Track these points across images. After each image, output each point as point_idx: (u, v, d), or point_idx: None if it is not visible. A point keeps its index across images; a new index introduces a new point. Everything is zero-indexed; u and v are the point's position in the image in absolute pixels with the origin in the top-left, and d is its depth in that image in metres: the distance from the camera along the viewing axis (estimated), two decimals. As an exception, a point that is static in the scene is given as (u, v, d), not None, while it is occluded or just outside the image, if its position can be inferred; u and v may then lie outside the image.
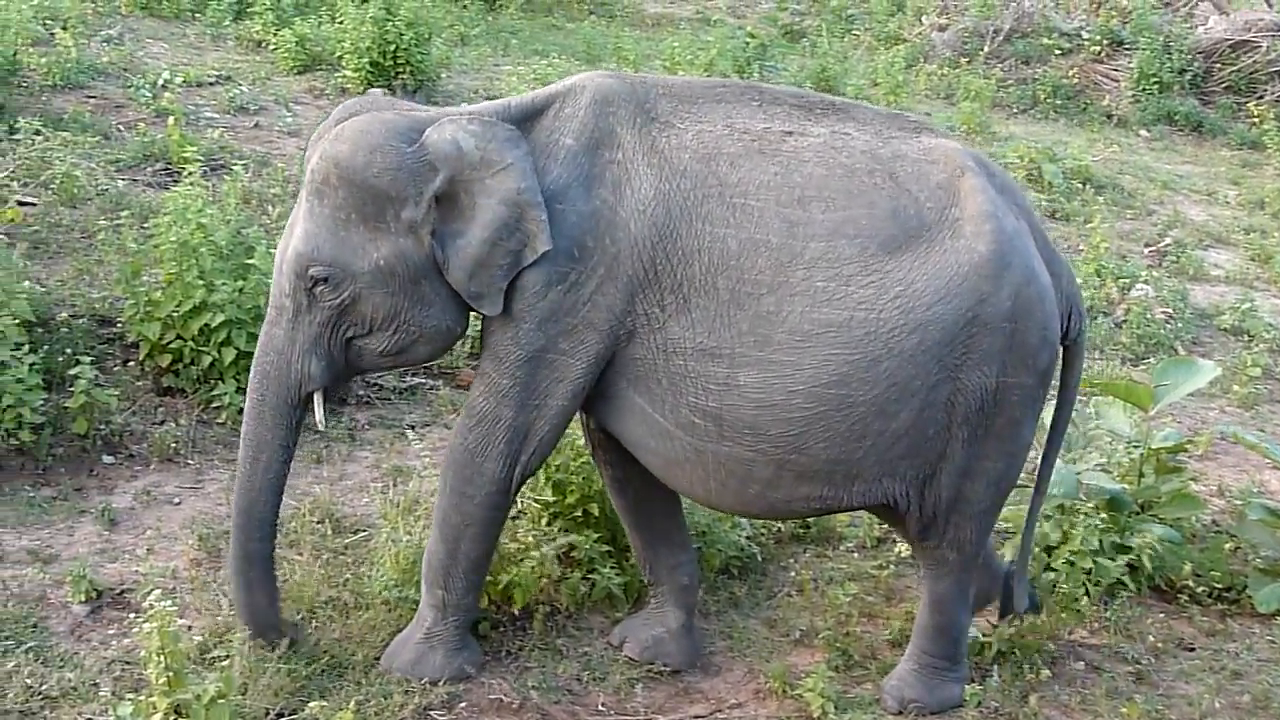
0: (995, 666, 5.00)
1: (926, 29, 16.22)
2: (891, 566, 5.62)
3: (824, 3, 17.77)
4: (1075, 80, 14.70)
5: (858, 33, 16.48)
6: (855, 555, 5.72)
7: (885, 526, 5.80)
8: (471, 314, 4.48)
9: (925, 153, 4.40)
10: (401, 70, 10.59)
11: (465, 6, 14.52)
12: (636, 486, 4.85)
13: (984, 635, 5.11)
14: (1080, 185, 11.29)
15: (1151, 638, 5.30)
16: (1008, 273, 4.26)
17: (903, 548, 5.60)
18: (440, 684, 4.61)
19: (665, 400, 4.35)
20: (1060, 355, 4.59)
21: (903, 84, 13.49)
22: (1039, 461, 4.88)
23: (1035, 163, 11.26)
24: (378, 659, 4.72)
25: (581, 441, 5.12)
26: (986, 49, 15.27)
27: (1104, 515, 5.49)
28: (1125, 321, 8.59)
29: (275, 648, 4.52)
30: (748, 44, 13.29)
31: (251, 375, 4.48)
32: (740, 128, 4.39)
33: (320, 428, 4.77)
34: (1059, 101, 14.41)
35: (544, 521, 5.17)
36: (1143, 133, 13.90)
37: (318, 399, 4.46)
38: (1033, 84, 14.63)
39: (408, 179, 4.22)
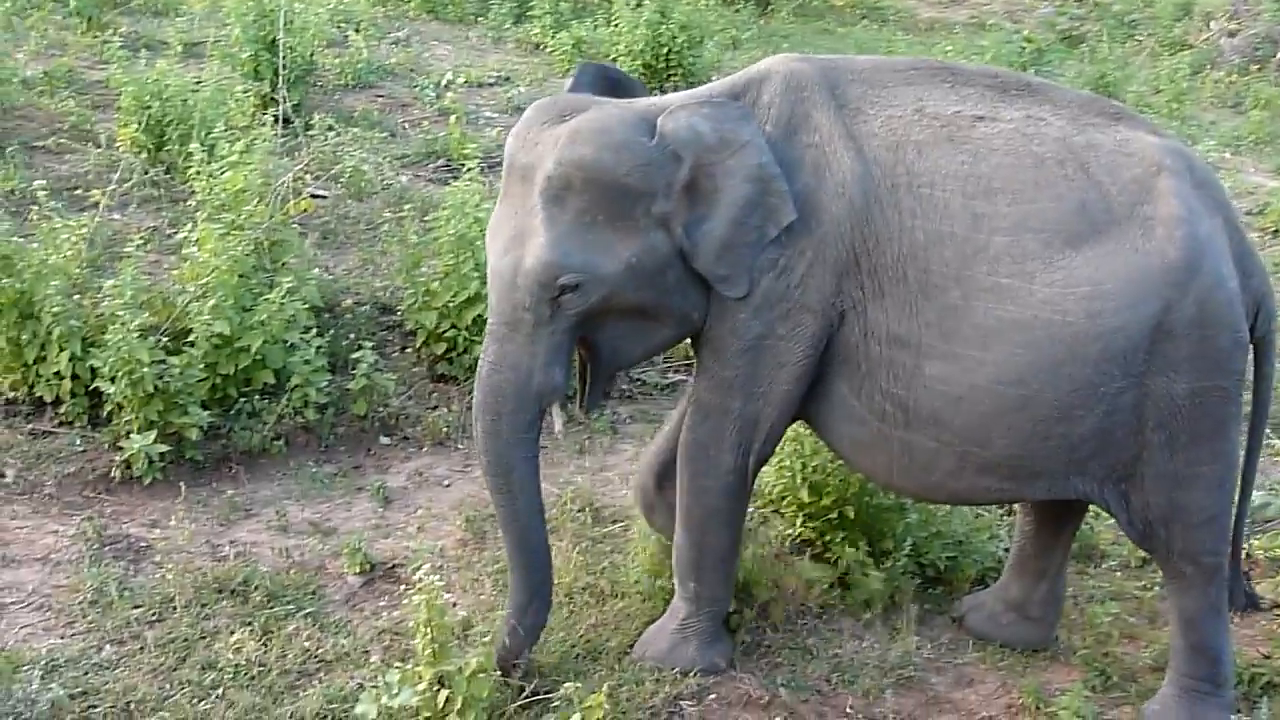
0: (1265, 698, 4.78)
1: (1215, 34, 15.53)
2: (1155, 588, 5.42)
3: (1105, 7, 17.19)
4: (1375, 88, 13.86)
5: (1140, 38, 15.89)
6: (1118, 574, 5.55)
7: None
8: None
9: (1121, 144, 4.24)
10: (674, 72, 10.74)
11: (738, 10, 14.62)
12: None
13: (1254, 664, 4.90)
14: (1378, 200, 10.63)
15: None
16: (1196, 279, 4.10)
17: (1169, 569, 5.40)
18: (691, 675, 4.69)
19: (861, 385, 4.33)
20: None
21: (1187, 91, 12.95)
22: (1243, 461, 4.63)
23: (1329, 175, 10.68)
24: (631, 647, 4.83)
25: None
26: (1280, 55, 14.55)
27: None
28: None
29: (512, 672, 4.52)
30: (1024, 49, 12.99)
31: (481, 397, 4.35)
32: (930, 112, 4.30)
33: (560, 435, 4.81)
34: (1358, 110, 13.60)
35: (799, 522, 5.19)
36: None
37: (557, 406, 4.46)
38: (1329, 91, 13.85)
39: (656, 172, 4.17)
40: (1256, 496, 5.61)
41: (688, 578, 4.70)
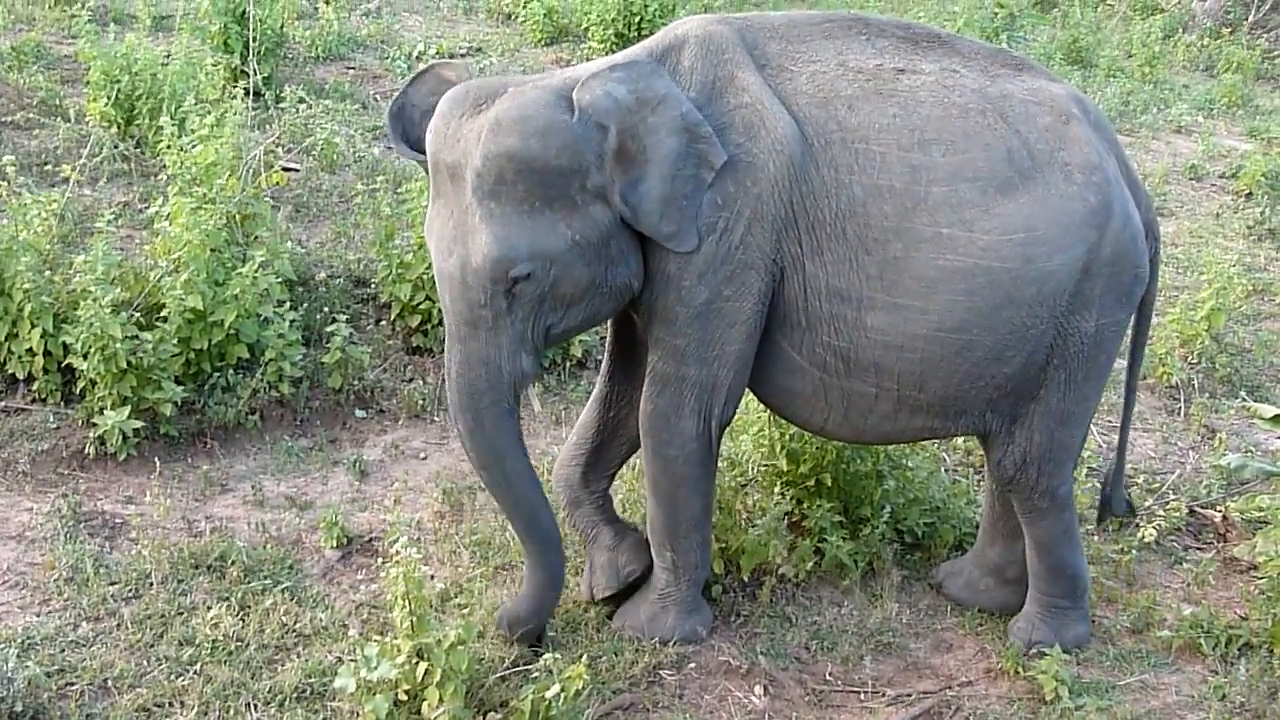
0: (1242, 660, 4.82)
1: (1187, -2, 15.56)
2: (1134, 552, 5.45)
3: (1078, -29, 17.19)
4: (1350, 51, 13.90)
5: (1112, 2, 15.89)
6: (1095, 538, 5.56)
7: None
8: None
9: (1031, 94, 4.38)
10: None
11: (710, -23, 14.54)
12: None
13: (1231, 626, 4.93)
14: (1350, 163, 10.67)
15: None
16: (1111, 220, 4.32)
17: (1145, 533, 5.43)
18: (671, 644, 4.69)
19: (802, 339, 4.38)
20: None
21: (1159, 55, 12.99)
22: (1126, 373, 4.82)
23: (1302, 138, 10.72)
24: (611, 617, 4.83)
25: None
26: (1251, 18, 14.56)
27: (1366, 508, 5.22)
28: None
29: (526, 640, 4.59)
30: (995, 14, 12.97)
31: (456, 397, 4.33)
32: (853, 66, 4.35)
33: (537, 410, 4.75)
34: (1330, 74, 13.65)
35: (775, 489, 5.19)
36: None
37: (530, 389, 4.44)
38: (1302, 55, 13.90)
39: (584, 147, 4.12)
40: (1231, 458, 5.64)
41: (664, 548, 4.71)
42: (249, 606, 4.76)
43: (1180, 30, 14.57)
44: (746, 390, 4.61)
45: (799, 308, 4.35)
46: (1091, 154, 4.32)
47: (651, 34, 10.46)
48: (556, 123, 4.09)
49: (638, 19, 10.68)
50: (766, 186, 4.24)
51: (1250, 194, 9.75)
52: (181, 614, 4.70)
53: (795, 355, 4.42)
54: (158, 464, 5.46)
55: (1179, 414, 6.78)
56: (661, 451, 4.54)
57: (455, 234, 4.18)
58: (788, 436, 5.25)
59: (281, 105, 8.25)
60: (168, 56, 7.86)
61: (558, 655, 4.22)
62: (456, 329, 4.28)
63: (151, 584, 4.82)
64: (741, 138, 4.24)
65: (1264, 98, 12.70)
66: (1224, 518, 5.80)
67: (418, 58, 10.14)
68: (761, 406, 5.02)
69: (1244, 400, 6.83)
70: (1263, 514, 5.58)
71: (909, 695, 4.65)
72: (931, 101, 4.29)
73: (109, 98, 7.74)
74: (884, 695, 4.64)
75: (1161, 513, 5.68)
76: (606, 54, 10.50)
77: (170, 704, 4.29)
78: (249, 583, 4.88)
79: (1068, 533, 4.77)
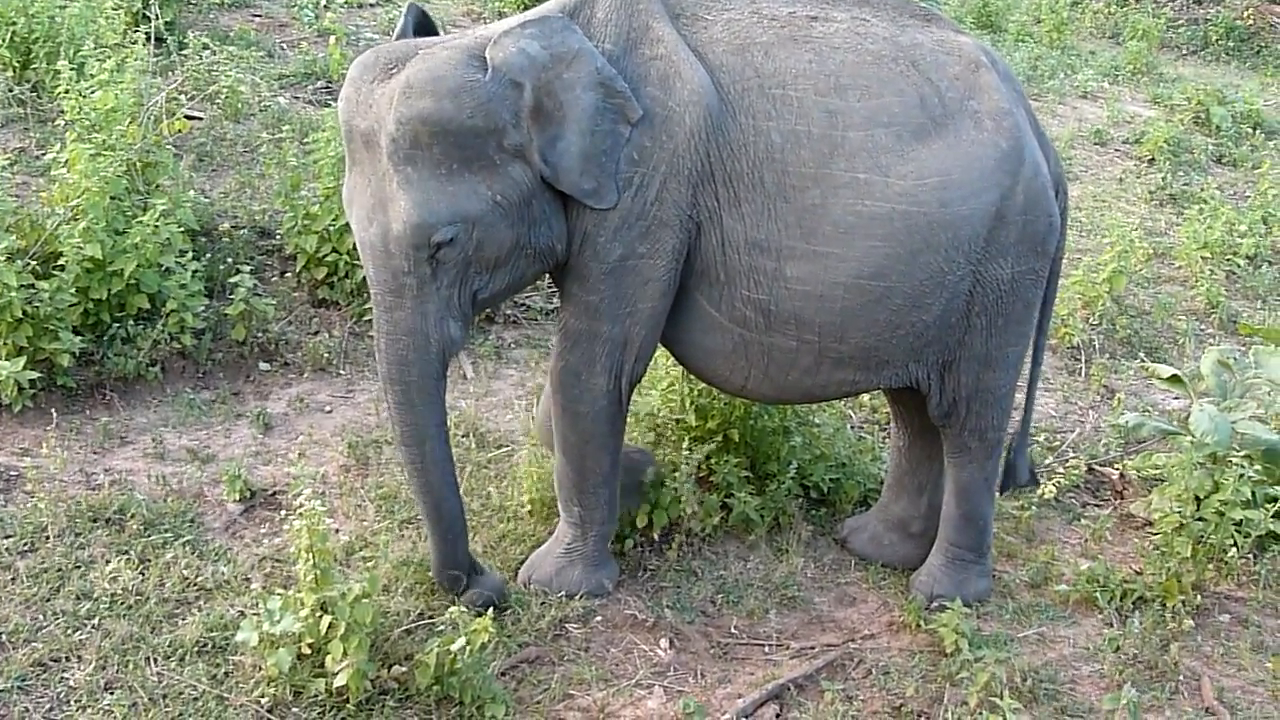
0: (1136, 613, 4.92)
1: (1095, -35, 15.70)
2: (1033, 508, 5.54)
3: (988, -64, 17.28)
4: (1250, 21, 14.13)
5: (1022, -32, 16.02)
6: (996, 495, 5.65)
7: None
8: None
9: (940, 44, 4.45)
10: (558, -6, 10.57)
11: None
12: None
13: (1126, 581, 5.04)
14: (1250, 130, 10.89)
15: (1302, 593, 5.17)
16: (1022, 168, 4.39)
17: (1045, 490, 5.52)
18: (577, 598, 4.70)
19: (721, 295, 4.38)
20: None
21: (1067, 22, 13.13)
22: (1034, 334, 4.87)
23: (1203, 105, 10.91)
24: (517, 571, 4.82)
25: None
26: (1157, -14, 14.76)
27: (1257, 466, 5.34)
28: (1291, 271, 8.30)
29: (459, 590, 4.54)
30: (908, -24, 13.00)
31: (386, 368, 4.28)
32: (767, 14, 4.37)
33: (469, 375, 4.67)
34: (1231, 43, 13.89)
35: (684, 445, 5.20)
36: (1320, 78, 13.34)
37: (462, 354, 4.39)
38: (1204, 24, 14.12)
39: (499, 106, 4.07)
40: (1130, 417, 5.76)
41: (571, 502, 4.70)
42: (149, 560, 4.68)
43: (1088, -3, 14.74)
44: (657, 347, 4.60)
45: (717, 263, 4.34)
46: (1002, 101, 4.38)
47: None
48: (470, 82, 4.03)
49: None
50: (682, 140, 4.22)
51: (1153, 159, 9.91)
52: (79, 568, 4.61)
53: (714, 312, 4.41)
54: (55, 416, 5.33)
55: (1079, 374, 6.90)
56: (571, 408, 4.52)
57: (374, 202, 4.12)
58: (696, 392, 5.27)
59: (185, 52, 8.05)
60: (66, -1, 7.63)
61: (463, 609, 4.21)
62: (382, 298, 4.22)
63: (48, 537, 4.72)
64: (657, 90, 4.22)
65: (1168, 65, 12.91)
66: (1121, 475, 5.92)
67: (325, 6, 9.96)
68: (672, 362, 5.02)
69: (1143, 361, 6.96)
70: (1158, 472, 5.71)
71: (812, 648, 4.70)
72: (846, 48, 4.31)
73: (4, 40, 7.49)
74: (788, 648, 4.68)
75: (1061, 470, 5.79)
76: (520, 7, 10.44)
77: (67, 659, 4.21)
78: (149, 536, 4.80)
79: (988, 482, 4.87)
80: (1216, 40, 13.90)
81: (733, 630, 4.77)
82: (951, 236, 4.32)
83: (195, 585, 4.61)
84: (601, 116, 4.15)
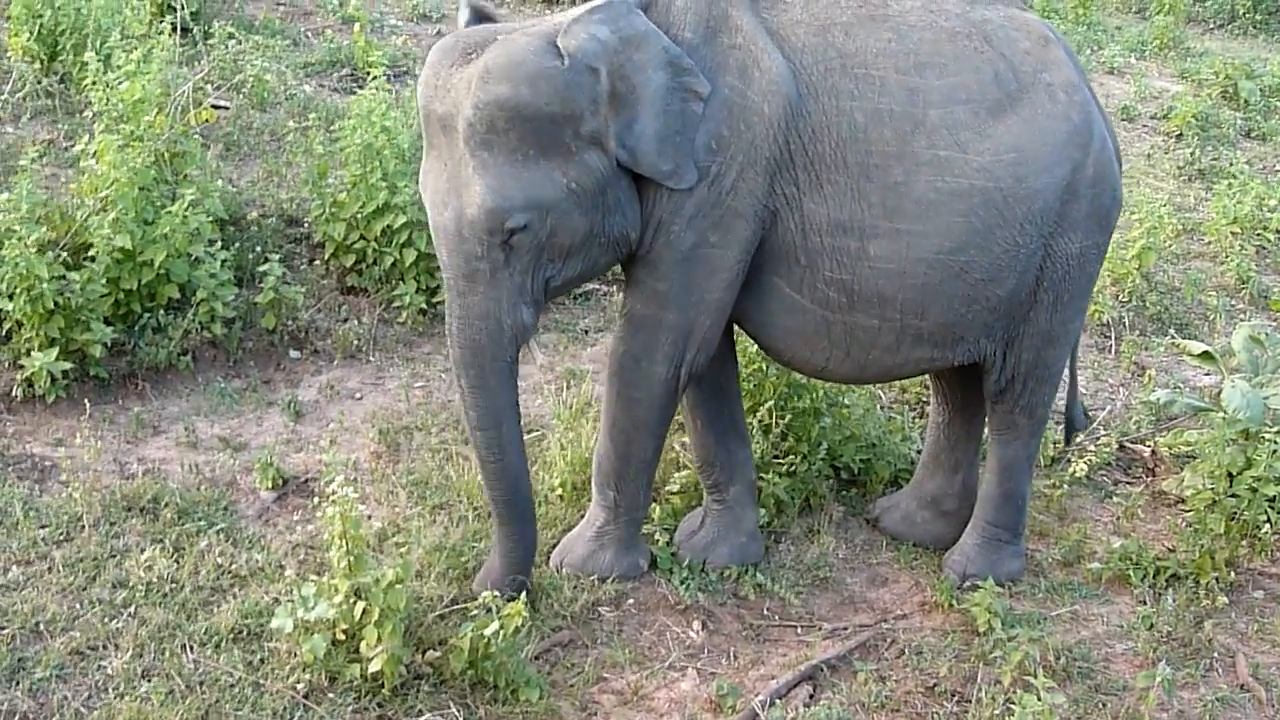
0: (1170, 590, 4.91)
1: (1120, -60, 15.58)
2: (1065, 486, 5.53)
3: (1013, -88, 17.15)
4: (1278, -6, 14.01)
5: (1047, -56, 15.90)
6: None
7: (1059, 446, 5.72)
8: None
9: (1009, 19, 4.48)
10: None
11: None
12: (712, 378, 4.79)
13: (1159, 559, 5.02)
14: (1278, 104, 10.79)
15: (1337, 569, 5.15)
16: (1092, 141, 4.43)
17: (1077, 468, 5.51)
18: (610, 581, 4.71)
19: (803, 277, 4.39)
20: None
21: (1093, -3, 13.04)
22: None
23: (1231, 79, 10.81)
24: (549, 554, 4.83)
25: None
26: (1184, -39, 14.62)
27: (1292, 442, 5.30)
28: (1323, 246, 8.23)
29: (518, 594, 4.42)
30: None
31: (459, 353, 4.28)
32: None
33: (540, 360, 4.65)
34: (1259, 16, 13.75)
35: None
36: (1349, 50, 13.21)
37: (532, 340, 4.38)
38: (1232, -3, 13.99)
39: (577, 93, 4.06)
40: (1161, 394, 5.73)
41: (608, 486, 4.70)
42: (183, 548, 4.72)
43: (1113, -29, 14.62)
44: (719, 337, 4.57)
45: (797, 246, 4.35)
46: (1072, 75, 4.43)
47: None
48: (547, 69, 4.03)
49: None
50: (761, 130, 4.23)
51: (1180, 135, 9.84)
52: (114, 556, 4.64)
53: (795, 295, 4.42)
54: (88, 406, 5.36)
55: (1110, 351, 6.86)
56: (626, 393, 4.52)
57: (449, 187, 4.13)
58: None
59: (210, 41, 8.07)
60: (92, -10, 7.65)
61: (497, 593, 4.22)
62: (455, 283, 4.22)
63: (83, 527, 4.76)
64: (736, 79, 4.23)
65: (1194, 40, 12.80)
66: (1153, 453, 5.90)
67: (349, -7, 9.97)
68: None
69: (1173, 337, 6.92)
70: (1190, 449, 5.67)
71: (844, 629, 4.71)
72: (921, 25, 4.34)
73: (31, 32, 7.53)
74: (820, 629, 4.69)
75: (1093, 448, 5.76)
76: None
77: (104, 647, 4.25)
78: (183, 524, 4.84)
79: (1030, 460, 4.90)
80: (1244, 13, 13.77)
81: (765, 612, 4.77)
82: (1026, 210, 4.35)
83: (229, 573, 4.64)
84: (673, 96, 4.15)
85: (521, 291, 4.22)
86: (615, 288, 6.98)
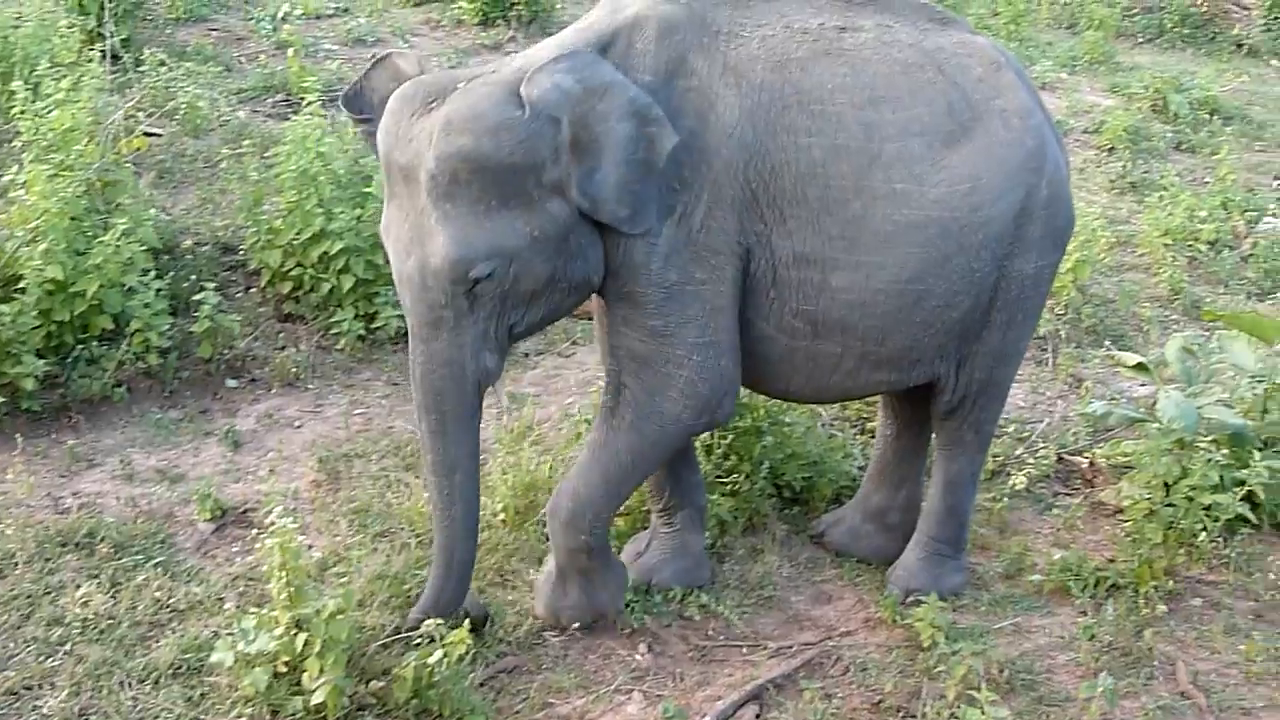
0: (1110, 600, 4.95)
1: (1050, -44, 15.77)
2: (1005, 499, 5.57)
3: (943, -70, 17.36)
4: (1204, 8, 14.22)
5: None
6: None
7: (999, 458, 5.76)
8: None
9: (959, 46, 4.51)
10: (517, 2, 10.58)
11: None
12: None
13: (1099, 569, 5.06)
14: (1207, 116, 10.96)
15: (1272, 575, 5.20)
16: (1046, 164, 4.48)
17: (1016, 480, 5.55)
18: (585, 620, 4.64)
19: (771, 308, 4.40)
20: None
21: (1024, 13, 13.15)
22: None
23: (1161, 93, 10.96)
24: (495, 579, 4.80)
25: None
26: (1112, -24, 14.83)
27: (1225, 450, 5.37)
28: (1252, 255, 8.34)
29: (458, 622, 4.31)
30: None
31: (421, 397, 4.23)
32: (798, 27, 4.38)
33: (505, 405, 4.71)
34: (1186, 30, 13.96)
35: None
36: (1274, 62, 13.42)
37: (498, 384, 4.36)
38: (1159, 12, 14.18)
39: (538, 143, 4.03)
40: (1097, 406, 5.79)
41: (579, 530, 4.51)
42: (120, 583, 4.65)
43: (1044, -13, 14.80)
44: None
45: (765, 280, 4.36)
46: (1025, 98, 4.48)
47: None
48: (508, 119, 4.00)
49: (507, -19, 10.57)
50: (720, 170, 4.23)
51: (1112, 149, 9.97)
52: (49, 593, 4.57)
53: (763, 324, 4.43)
54: (20, 440, 5.28)
55: (1047, 364, 6.93)
56: (638, 427, 4.43)
57: (412, 236, 4.09)
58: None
59: (142, 69, 8.02)
60: (19, 18, 7.57)
61: (441, 620, 4.19)
62: (419, 330, 4.18)
63: (16, 564, 4.69)
64: (693, 122, 4.22)
65: (1124, 54, 12.97)
66: (1091, 464, 5.95)
67: (283, 19, 9.92)
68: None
69: (1108, 349, 7.00)
70: (1127, 459, 5.72)
71: (790, 647, 4.71)
72: (876, 59, 4.36)
73: (-43, 62, 7.45)
74: (766, 648, 4.68)
75: (1031, 460, 5.81)
76: (478, 16, 10.45)
77: (40, 685, 4.18)
78: (120, 559, 4.77)
79: (975, 475, 4.96)
80: (1172, 28, 13.97)
81: (710, 632, 4.77)
82: (983, 237, 4.39)
83: (168, 607, 4.58)
84: (636, 145, 4.11)
85: (485, 338, 4.18)
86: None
